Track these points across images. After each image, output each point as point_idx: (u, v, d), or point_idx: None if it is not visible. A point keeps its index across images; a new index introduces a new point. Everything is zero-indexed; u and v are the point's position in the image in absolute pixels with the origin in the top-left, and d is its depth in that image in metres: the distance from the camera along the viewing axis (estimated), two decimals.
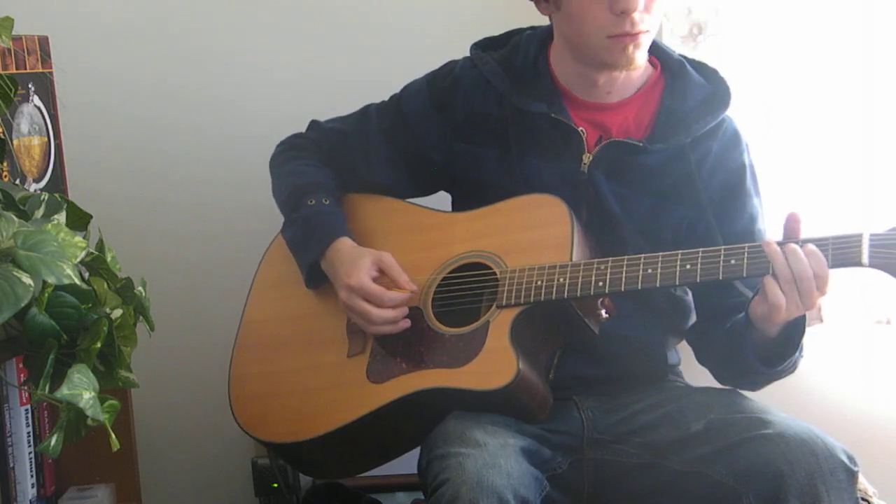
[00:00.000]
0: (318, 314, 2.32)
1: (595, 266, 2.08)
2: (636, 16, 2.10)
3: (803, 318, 2.07)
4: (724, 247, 2.03)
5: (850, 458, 2.00)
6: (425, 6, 2.83)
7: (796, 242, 1.99)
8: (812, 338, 2.73)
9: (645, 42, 2.15)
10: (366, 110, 2.43)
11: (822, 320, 2.69)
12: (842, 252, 1.94)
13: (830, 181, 2.66)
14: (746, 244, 2.03)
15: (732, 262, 2.00)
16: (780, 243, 2.00)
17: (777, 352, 2.12)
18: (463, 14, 2.80)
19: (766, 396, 2.23)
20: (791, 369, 2.18)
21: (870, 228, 1.94)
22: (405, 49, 2.80)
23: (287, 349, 2.32)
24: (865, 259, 1.92)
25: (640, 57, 2.16)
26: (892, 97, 2.64)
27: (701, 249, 2.03)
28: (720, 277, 2.01)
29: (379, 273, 2.23)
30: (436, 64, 2.38)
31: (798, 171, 2.67)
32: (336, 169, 2.40)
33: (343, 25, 2.84)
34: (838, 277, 2.58)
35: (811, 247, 1.98)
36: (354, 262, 2.23)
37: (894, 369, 2.76)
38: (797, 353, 2.14)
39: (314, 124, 2.48)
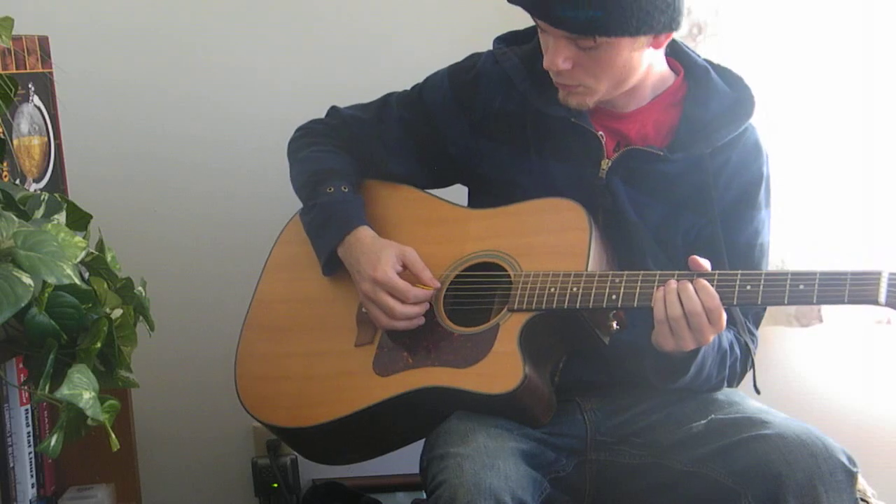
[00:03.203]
0: (329, 300, 2.31)
1: (610, 279, 2.06)
2: (557, 71, 2.10)
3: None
4: (740, 272, 2.00)
5: (850, 459, 1.99)
6: (428, 7, 2.83)
7: (695, 276, 2.00)
8: (812, 338, 2.75)
9: (584, 93, 2.14)
10: (386, 99, 2.41)
11: (821, 320, 2.69)
12: (859, 289, 1.92)
13: (832, 180, 2.66)
14: (764, 271, 2.02)
15: (748, 287, 1.98)
16: (681, 275, 2.01)
17: (670, 372, 2.12)
18: (463, 16, 2.79)
19: (765, 396, 2.23)
20: (707, 387, 2.17)
21: (889, 267, 1.92)
22: (405, 52, 2.80)
23: (295, 333, 2.31)
24: (882, 298, 1.90)
25: (578, 103, 2.15)
26: (892, 97, 2.64)
27: (717, 272, 2.01)
28: (734, 302, 2.00)
29: (402, 267, 2.22)
30: (436, 66, 2.38)
31: (799, 172, 2.67)
32: (354, 156, 2.38)
33: (344, 30, 2.84)
34: None
35: (702, 281, 1.98)
36: (378, 254, 2.22)
37: (894, 369, 2.77)
38: (692, 375, 2.11)
39: (333, 111, 2.46)
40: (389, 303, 2.18)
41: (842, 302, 1.94)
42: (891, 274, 1.91)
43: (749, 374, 2.22)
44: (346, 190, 2.30)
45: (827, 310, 2.68)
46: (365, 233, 2.26)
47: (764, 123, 2.62)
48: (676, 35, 2.64)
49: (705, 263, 2.02)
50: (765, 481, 1.98)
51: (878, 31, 2.63)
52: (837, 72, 2.64)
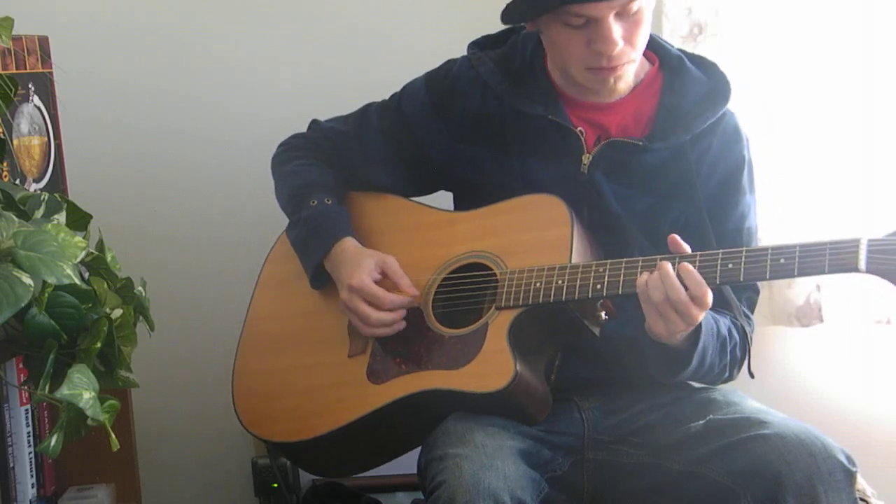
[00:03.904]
0: (320, 313, 2.32)
1: (593, 269, 2.07)
2: (615, 53, 2.10)
3: (697, 331, 2.06)
4: (721, 251, 2.01)
5: (849, 459, 2.00)
6: (423, 7, 2.83)
7: (677, 259, 2.00)
8: (812, 338, 2.75)
9: (628, 70, 2.15)
10: (366, 110, 2.42)
11: (822, 320, 2.69)
12: (839, 257, 1.92)
13: (832, 180, 2.66)
14: (744, 248, 2.01)
15: (730, 266, 1.99)
16: (664, 258, 2.01)
17: (670, 364, 2.11)
18: (461, 15, 2.80)
19: (765, 396, 2.23)
20: (711, 377, 2.17)
21: (868, 234, 1.92)
22: (403, 51, 2.80)
23: (289, 347, 2.32)
24: (863, 265, 1.90)
25: (623, 84, 2.16)
26: (892, 97, 2.64)
27: (699, 253, 2.02)
28: (717, 282, 2.00)
29: (381, 275, 2.22)
30: (434, 64, 2.38)
31: (800, 171, 2.67)
32: (336, 168, 2.40)
33: (344, 30, 2.84)
34: (838, 278, 2.61)
35: (687, 266, 1.98)
36: (358, 262, 2.23)
37: (894, 369, 2.77)
38: (694, 366, 2.11)
39: (314, 124, 2.48)
40: (365, 310, 2.19)
41: (822, 272, 1.93)
42: (870, 240, 1.91)
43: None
44: (330, 202, 2.31)
45: (827, 310, 2.67)
46: (349, 244, 2.27)
47: (764, 122, 2.63)
48: (676, 34, 2.66)
49: (685, 245, 2.02)
50: (764, 481, 1.98)
51: (879, 31, 2.63)
52: (837, 71, 2.64)
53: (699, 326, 2.05)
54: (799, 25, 2.64)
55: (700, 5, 2.66)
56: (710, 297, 1.99)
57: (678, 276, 1.99)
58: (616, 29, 2.08)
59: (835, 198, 2.66)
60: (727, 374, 2.21)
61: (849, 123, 2.65)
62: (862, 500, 2.09)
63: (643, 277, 2.01)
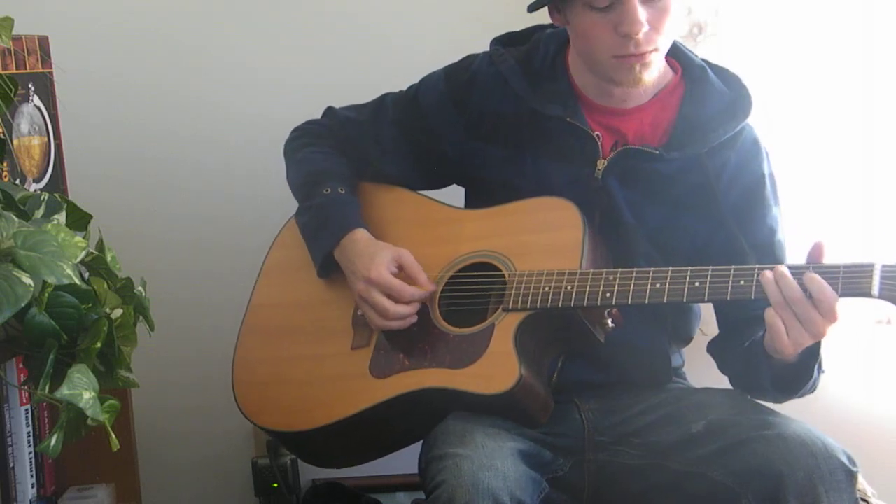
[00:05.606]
0: (325, 303, 2.31)
1: (604, 276, 2.06)
2: (641, 37, 2.08)
3: (817, 344, 2.03)
4: (734, 266, 1.99)
5: (850, 459, 2.00)
6: (424, 8, 2.83)
7: (804, 268, 1.95)
8: None
9: (655, 60, 2.13)
10: (382, 100, 2.41)
11: None
12: (852, 282, 1.91)
13: (831, 181, 2.66)
14: (756, 265, 2.00)
15: (742, 283, 1.97)
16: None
17: (792, 379, 2.08)
18: (463, 15, 2.79)
19: None
20: (810, 390, 2.13)
21: (882, 259, 1.91)
22: (405, 51, 2.80)
23: (292, 337, 2.31)
24: (875, 290, 1.89)
25: (649, 76, 2.13)
26: (892, 97, 2.64)
27: (710, 268, 2.00)
28: (728, 298, 1.98)
29: (398, 269, 2.22)
30: (437, 65, 2.38)
31: (799, 172, 2.67)
32: (349, 157, 2.38)
33: (345, 30, 2.84)
34: None
35: (810, 273, 1.94)
36: (374, 255, 2.22)
37: (894, 369, 2.76)
38: (814, 377, 2.09)
39: (329, 111, 2.46)
40: (384, 303, 2.18)
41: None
42: (884, 266, 1.91)
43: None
44: (343, 191, 2.30)
45: None
46: (361, 234, 2.26)
47: (763, 123, 2.63)
48: (676, 35, 2.65)
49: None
50: (765, 481, 1.98)
51: (878, 31, 2.63)
52: (837, 72, 2.64)
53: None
54: (799, 26, 2.64)
55: (700, 5, 2.66)
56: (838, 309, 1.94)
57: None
58: (641, 12, 2.07)
59: (834, 198, 2.66)
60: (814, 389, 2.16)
61: (849, 124, 2.65)
62: (863, 500, 2.09)
63: (770, 277, 1.95)
